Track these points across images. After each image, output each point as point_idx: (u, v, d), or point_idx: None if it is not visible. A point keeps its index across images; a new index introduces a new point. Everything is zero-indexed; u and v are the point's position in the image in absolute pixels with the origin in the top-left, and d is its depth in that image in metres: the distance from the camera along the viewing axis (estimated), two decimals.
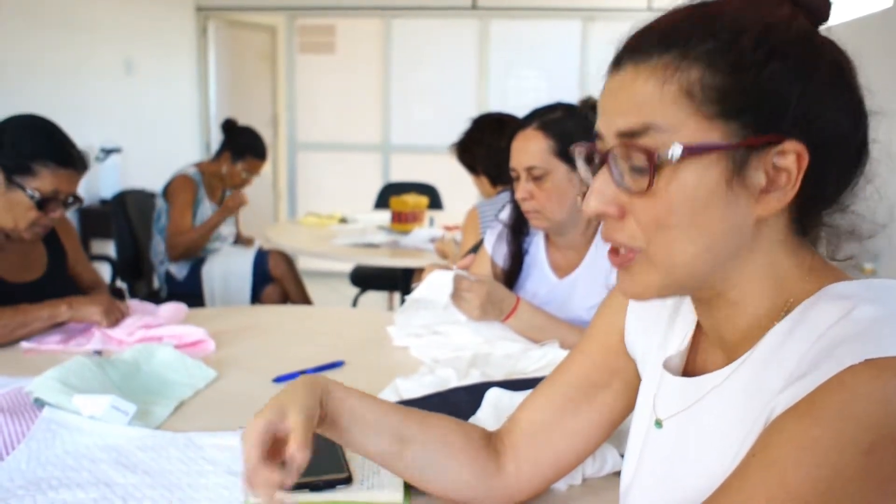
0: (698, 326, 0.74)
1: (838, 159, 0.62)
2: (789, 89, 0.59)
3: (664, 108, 0.60)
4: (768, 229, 0.63)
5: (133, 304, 1.76)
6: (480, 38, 5.56)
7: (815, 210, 0.65)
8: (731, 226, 0.61)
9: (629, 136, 0.61)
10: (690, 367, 0.75)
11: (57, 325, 1.64)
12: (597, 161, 0.66)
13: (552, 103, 1.61)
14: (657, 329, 0.79)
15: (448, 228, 3.33)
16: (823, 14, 0.64)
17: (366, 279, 4.00)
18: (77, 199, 1.70)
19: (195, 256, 3.23)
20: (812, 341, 0.58)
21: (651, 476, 0.74)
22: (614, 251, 0.66)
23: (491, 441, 0.91)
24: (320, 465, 0.94)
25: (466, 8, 5.50)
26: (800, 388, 0.56)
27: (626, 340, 0.84)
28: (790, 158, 0.60)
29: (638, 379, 0.82)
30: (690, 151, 0.59)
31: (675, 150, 0.59)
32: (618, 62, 0.64)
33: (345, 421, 0.83)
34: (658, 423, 0.73)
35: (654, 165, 0.59)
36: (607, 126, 0.64)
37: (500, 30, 5.55)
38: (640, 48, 0.62)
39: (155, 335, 1.59)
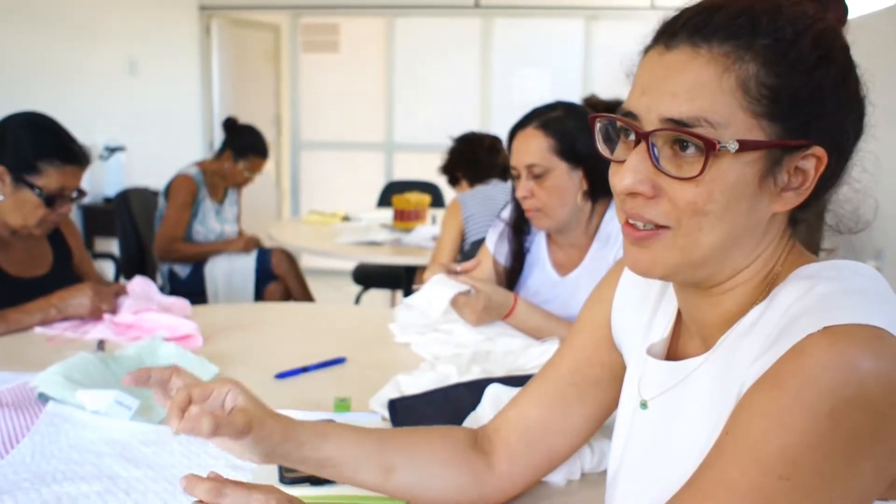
0: (679, 314, 0.76)
1: (841, 165, 0.65)
2: (827, 98, 0.61)
3: (719, 99, 0.60)
4: (774, 225, 0.66)
5: (137, 281, 1.78)
6: (483, 37, 5.56)
7: (808, 207, 0.67)
8: (753, 220, 0.63)
9: (680, 123, 0.60)
10: (672, 353, 0.76)
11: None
12: (632, 139, 0.64)
13: (552, 102, 1.61)
14: (641, 317, 0.80)
15: None
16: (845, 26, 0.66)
17: (368, 277, 4.01)
18: (81, 192, 1.73)
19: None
20: (777, 319, 0.60)
21: (636, 460, 0.75)
22: (632, 226, 0.65)
23: (478, 441, 0.90)
24: None
25: (470, 7, 5.50)
26: (765, 361, 0.58)
27: (613, 331, 0.85)
28: (811, 162, 0.62)
29: (624, 370, 0.83)
30: (744, 147, 0.60)
31: (732, 146, 0.59)
32: (671, 39, 0.62)
33: (328, 465, 0.82)
34: (643, 405, 0.74)
35: (709, 156, 0.59)
36: (652, 106, 0.62)
37: (503, 29, 5.54)
38: (701, 30, 0.61)
39: (149, 326, 1.60)
